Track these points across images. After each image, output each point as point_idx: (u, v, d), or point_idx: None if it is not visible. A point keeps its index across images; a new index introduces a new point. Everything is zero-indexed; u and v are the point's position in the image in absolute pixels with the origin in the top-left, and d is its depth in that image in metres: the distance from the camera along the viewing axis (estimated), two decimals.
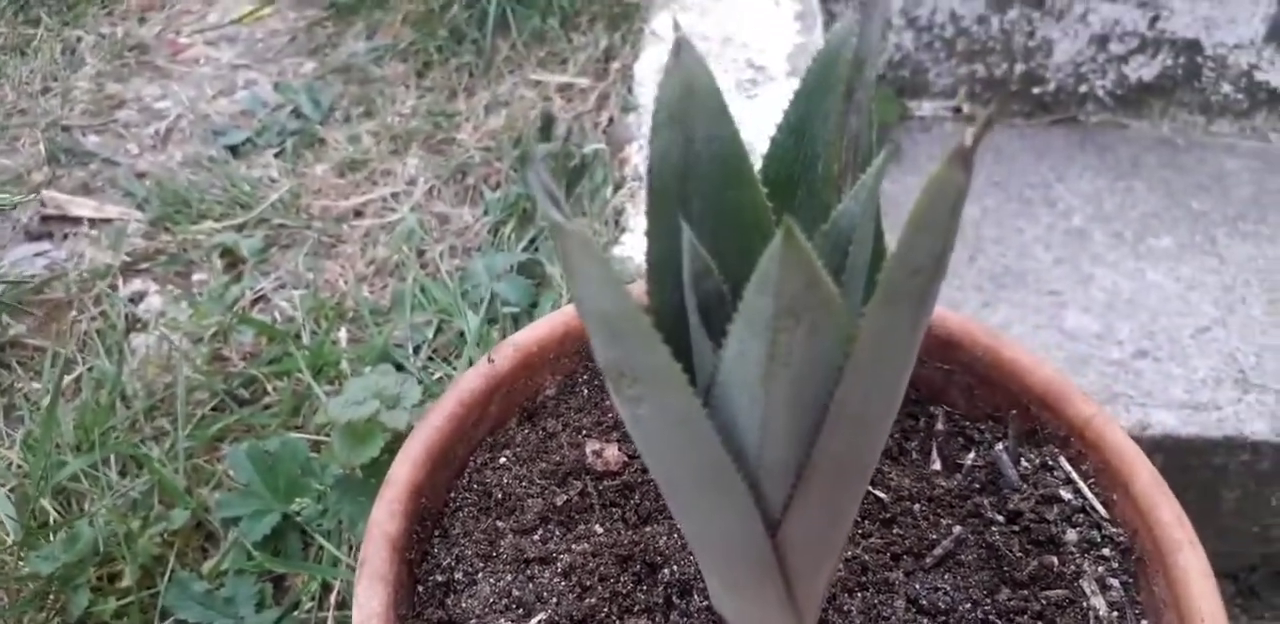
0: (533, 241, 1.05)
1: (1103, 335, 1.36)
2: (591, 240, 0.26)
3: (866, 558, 0.49)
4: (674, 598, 0.45)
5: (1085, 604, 0.48)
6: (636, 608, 0.46)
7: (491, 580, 0.47)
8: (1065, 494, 0.50)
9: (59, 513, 0.82)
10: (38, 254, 1.08)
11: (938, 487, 0.52)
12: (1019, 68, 1.75)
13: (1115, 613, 0.48)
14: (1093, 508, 0.50)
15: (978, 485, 0.52)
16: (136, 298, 1.04)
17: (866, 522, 0.51)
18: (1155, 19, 1.71)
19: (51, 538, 0.79)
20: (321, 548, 0.79)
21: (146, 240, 1.09)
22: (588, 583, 0.47)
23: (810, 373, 0.29)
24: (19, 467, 0.86)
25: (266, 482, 0.80)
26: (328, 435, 0.85)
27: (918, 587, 0.48)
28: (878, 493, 0.52)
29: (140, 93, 1.28)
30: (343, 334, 0.96)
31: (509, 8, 1.31)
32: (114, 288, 1.03)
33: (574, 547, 0.48)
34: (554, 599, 0.46)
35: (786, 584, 0.38)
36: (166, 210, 1.11)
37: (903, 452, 0.55)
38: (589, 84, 1.23)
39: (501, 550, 0.48)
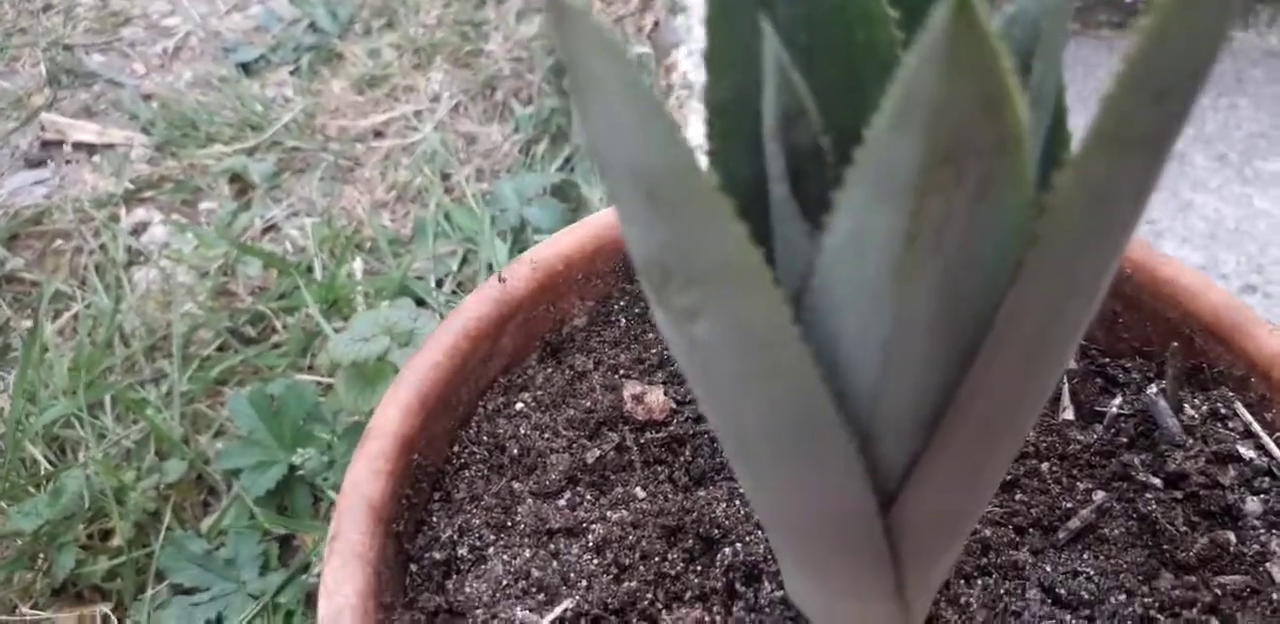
0: (568, 161, 0.94)
1: (1205, 268, 1.23)
2: (615, 38, 0.15)
3: (986, 532, 0.38)
4: (736, 585, 0.35)
5: (1276, 595, 0.37)
6: (689, 595, 0.36)
7: (505, 557, 0.36)
8: (1245, 451, 0.39)
9: (49, 463, 0.74)
10: (36, 182, 0.99)
11: (1073, 441, 0.41)
12: None
13: None
14: None
15: (1125, 440, 0.41)
16: (139, 229, 0.94)
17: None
18: None
19: (40, 489, 0.71)
20: (332, 503, 0.70)
21: (151, 166, 1.00)
22: (626, 561, 0.36)
23: (970, 265, 0.18)
24: (8, 412, 0.78)
25: (271, 429, 0.71)
26: None
27: (1050, 569, 0.37)
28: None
29: (147, 9, 1.18)
30: (358, 265, 0.86)
31: None
32: (115, 218, 0.94)
33: (609, 515, 0.38)
34: (583, 582, 0.36)
35: (898, 576, 0.27)
36: (173, 133, 1.02)
37: None
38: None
39: (518, 519, 0.38)
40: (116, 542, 0.69)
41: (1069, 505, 0.39)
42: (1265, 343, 0.39)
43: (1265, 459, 0.39)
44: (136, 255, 0.92)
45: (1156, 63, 0.16)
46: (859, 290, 0.19)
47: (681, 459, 0.40)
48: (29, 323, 0.86)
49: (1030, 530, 0.39)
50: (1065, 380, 0.43)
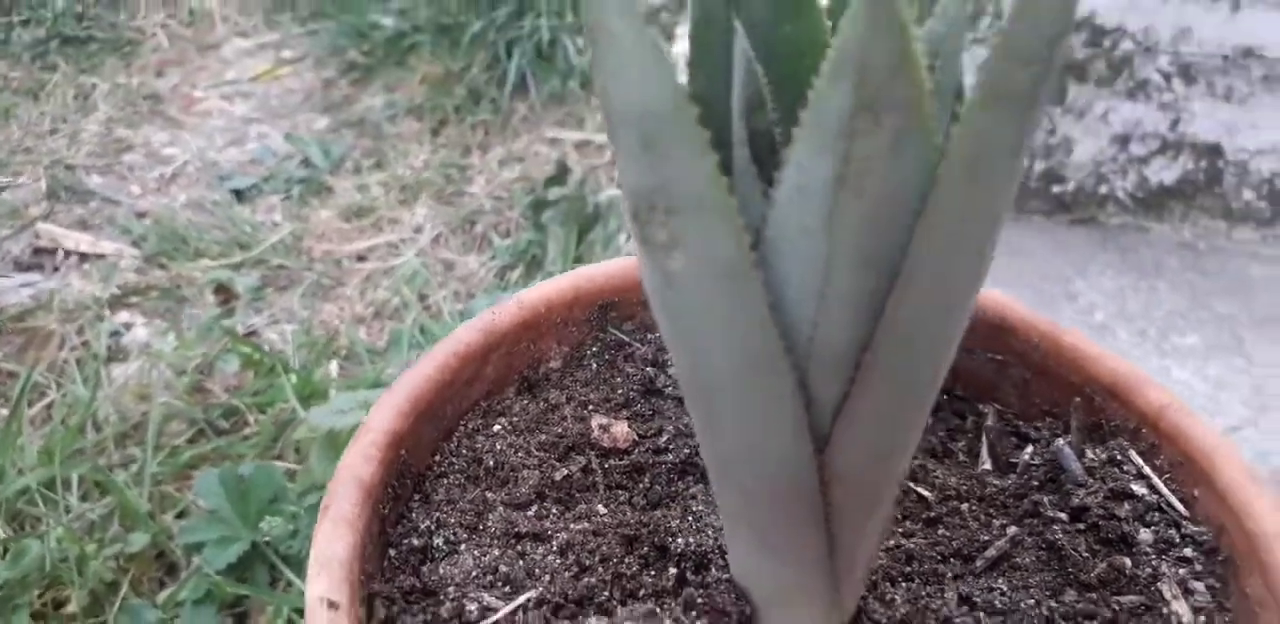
0: None
1: None
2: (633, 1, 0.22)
3: (911, 546, 0.42)
4: (688, 574, 0.39)
5: (1165, 610, 0.41)
6: (642, 592, 0.39)
7: (476, 553, 0.40)
8: (1138, 489, 0.44)
9: (11, 532, 0.75)
10: (24, 285, 1.04)
11: (989, 485, 0.46)
12: (1039, 165, 1.74)
13: (1202, 618, 0.41)
14: (1170, 506, 0.44)
15: (1035, 483, 0.46)
16: (122, 330, 0.99)
17: (908, 521, 0.45)
18: (1176, 121, 1.71)
19: None
20: (290, 583, 0.72)
21: (139, 275, 1.05)
22: (586, 562, 0.40)
23: (886, 209, 0.24)
24: None
25: (236, 508, 0.73)
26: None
27: (969, 590, 0.41)
28: (921, 490, 0.46)
29: (149, 139, 1.27)
30: (333, 368, 0.91)
31: (530, 70, 1.30)
32: (99, 319, 0.99)
33: (572, 526, 0.42)
34: (547, 577, 0.40)
35: (829, 531, 0.32)
36: (163, 246, 1.08)
37: (948, 452, 0.49)
38: (606, 140, 1.21)
39: (490, 523, 0.41)
40: (71, 609, 0.69)
41: (986, 538, 0.44)
42: (1154, 398, 0.45)
43: (1155, 497, 0.44)
44: (116, 353, 0.95)
45: (1022, 39, 0.22)
46: (801, 234, 0.25)
47: (641, 486, 0.45)
48: (3, 411, 0.88)
49: (951, 560, 0.43)
50: (984, 437, 0.49)
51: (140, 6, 1.44)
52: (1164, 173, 1.74)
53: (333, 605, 0.33)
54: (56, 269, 1.06)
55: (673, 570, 0.40)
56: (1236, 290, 1.62)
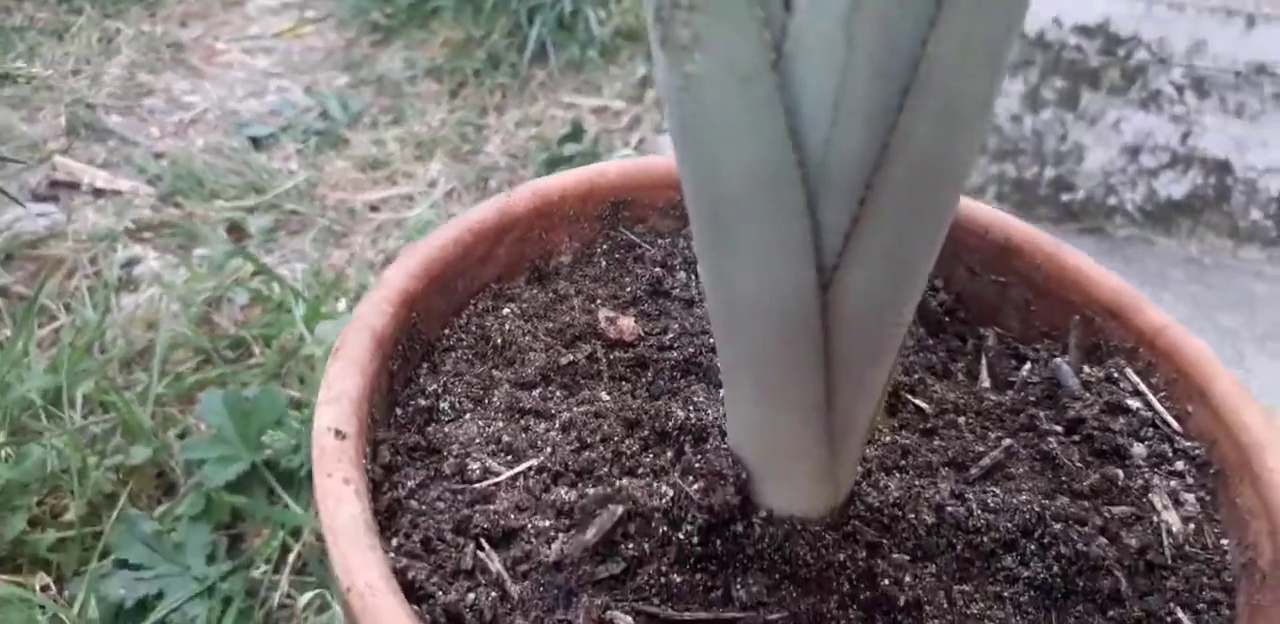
0: None
1: None
2: None
3: (907, 443, 0.43)
4: (686, 448, 0.39)
5: (1155, 519, 0.42)
6: (640, 471, 0.40)
7: (480, 423, 0.41)
8: (1133, 404, 0.45)
9: (12, 434, 0.75)
10: (40, 215, 1.05)
11: (987, 400, 0.47)
12: (1049, 172, 1.75)
13: (1190, 527, 0.42)
14: (1164, 421, 0.45)
15: (1032, 399, 0.47)
16: (133, 262, 0.99)
17: (905, 430, 0.46)
18: (1187, 135, 1.72)
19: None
20: (287, 506, 0.72)
21: (153, 212, 1.06)
22: (588, 440, 0.41)
23: (902, 15, 0.25)
24: None
25: (239, 428, 0.74)
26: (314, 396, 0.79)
27: (963, 490, 0.42)
28: (919, 402, 0.47)
29: (171, 86, 1.28)
30: (341, 305, 0.92)
31: (550, 38, 1.32)
32: (113, 250, 0.99)
33: (575, 408, 0.43)
34: (548, 449, 0.41)
35: (828, 378, 0.33)
36: (178, 186, 1.09)
37: (948, 373, 0.50)
38: (623, 107, 1.22)
39: (495, 398, 0.42)
40: (68, 517, 0.70)
41: (981, 449, 0.45)
42: (1152, 317, 0.46)
43: (1149, 413, 0.45)
44: (127, 284, 0.96)
45: None
46: (819, 41, 0.26)
47: (644, 379, 0.46)
48: (9, 333, 0.89)
49: (944, 469, 0.44)
50: (983, 357, 0.50)
51: None
52: (1173, 187, 1.75)
53: (340, 434, 0.34)
54: (72, 202, 1.07)
55: (671, 450, 0.40)
56: (1240, 305, 1.63)
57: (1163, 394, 0.46)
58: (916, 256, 0.31)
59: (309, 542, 0.71)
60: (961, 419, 0.46)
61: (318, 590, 0.67)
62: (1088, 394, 0.46)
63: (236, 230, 1.04)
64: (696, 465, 0.38)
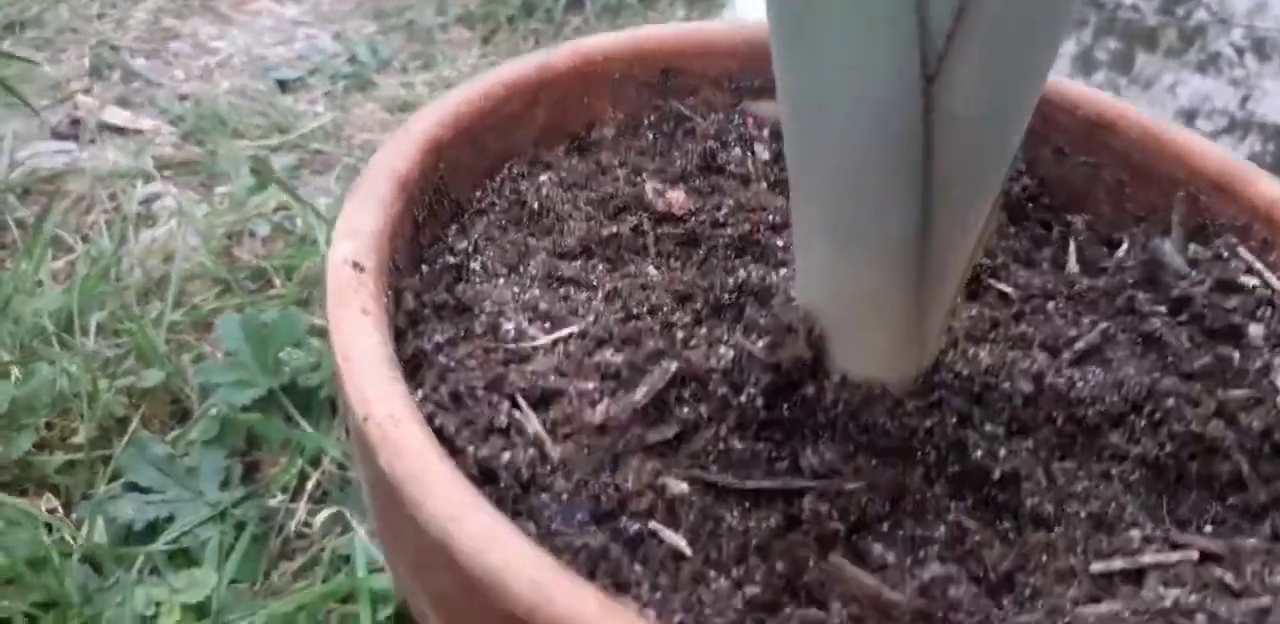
0: None
1: None
2: None
3: (995, 315, 0.39)
4: (747, 309, 0.35)
5: (1278, 402, 0.37)
6: (694, 341, 0.36)
7: (515, 289, 0.37)
8: (1248, 281, 0.40)
9: (20, 353, 0.72)
10: (59, 151, 1.01)
11: (1078, 285, 0.42)
12: None
13: None
14: None
15: (1130, 281, 0.42)
16: (153, 198, 0.96)
17: (987, 311, 0.41)
18: (1246, 99, 1.65)
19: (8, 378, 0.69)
20: (306, 431, 0.68)
21: (175, 150, 1.02)
22: (635, 310, 0.37)
23: None
24: None
25: (256, 353, 0.70)
26: None
27: (1060, 368, 0.37)
28: (1002, 286, 0.42)
29: (197, 31, 1.25)
30: None
31: None
32: (132, 186, 0.96)
33: (620, 281, 0.39)
34: (590, 317, 0.36)
35: (925, 207, 0.28)
36: (202, 125, 1.05)
37: (1032, 261, 0.45)
38: None
39: (531, 266, 0.38)
40: (77, 440, 0.66)
41: (1074, 333, 0.40)
42: (1266, 189, 0.41)
43: (1267, 291, 0.40)
44: (146, 219, 0.93)
45: None
46: None
47: (695, 257, 0.41)
48: (25, 265, 0.86)
49: (1037, 348, 0.39)
50: (1072, 242, 0.45)
51: None
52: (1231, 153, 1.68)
53: (358, 267, 0.30)
54: (93, 141, 1.04)
55: (729, 315, 0.36)
56: None
57: None
58: (1035, 46, 0.26)
59: (328, 470, 0.67)
60: (1050, 304, 0.42)
61: (334, 510, 0.63)
62: (1194, 273, 0.41)
63: (260, 169, 1.00)
64: (761, 321, 0.33)
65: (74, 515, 0.63)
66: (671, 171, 0.44)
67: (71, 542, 0.61)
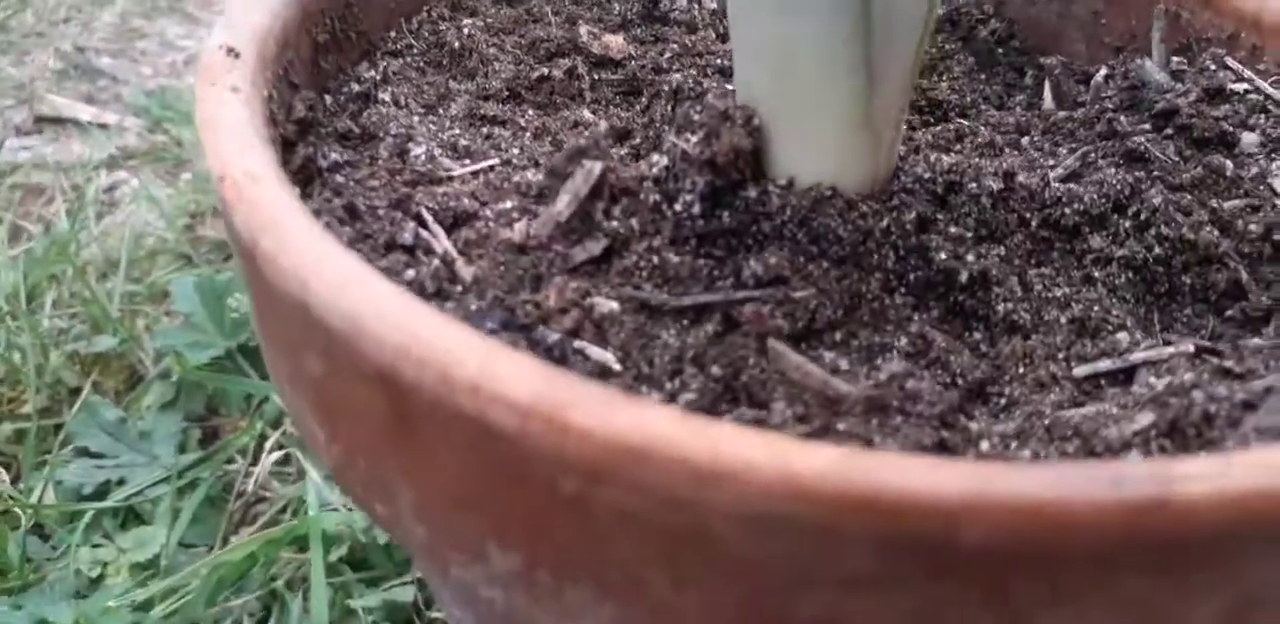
0: None
1: None
2: None
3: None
4: (681, 106, 0.31)
5: (1278, 204, 0.33)
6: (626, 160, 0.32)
7: (432, 126, 0.33)
8: (1237, 88, 0.36)
9: None
10: (23, 148, 0.99)
11: (1054, 116, 0.39)
12: None
13: None
14: (1277, 104, 0.36)
15: (1111, 108, 0.38)
16: (116, 186, 0.93)
17: (986, 153, 0.37)
18: None
19: None
20: (268, 399, 0.64)
21: (139, 139, 1.00)
22: (567, 143, 0.33)
23: None
24: None
25: (212, 313, 0.67)
26: None
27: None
28: (972, 124, 0.39)
29: (164, 30, 1.23)
30: None
31: None
32: (96, 176, 0.93)
33: (554, 124, 0.35)
34: (515, 151, 0.33)
35: None
36: (167, 114, 1.03)
37: (1004, 105, 0.41)
38: None
39: (451, 108, 0.34)
40: (26, 410, 0.63)
41: (1050, 163, 0.36)
42: None
43: (1258, 96, 0.36)
44: (108, 206, 0.90)
45: None
46: None
47: (637, 106, 0.38)
48: None
49: (1005, 157, 0.35)
50: (1046, 81, 0.41)
51: None
52: None
53: (233, 52, 0.26)
54: (55, 138, 1.02)
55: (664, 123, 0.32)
56: None
57: (1275, 79, 0.37)
58: None
59: (290, 431, 0.63)
60: (1025, 139, 0.38)
61: (291, 464, 0.59)
62: (1179, 86, 0.37)
63: None
64: (695, 116, 0.29)
65: (20, 485, 0.59)
66: (610, 21, 0.40)
67: (20, 513, 0.57)
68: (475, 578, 0.21)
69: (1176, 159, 0.35)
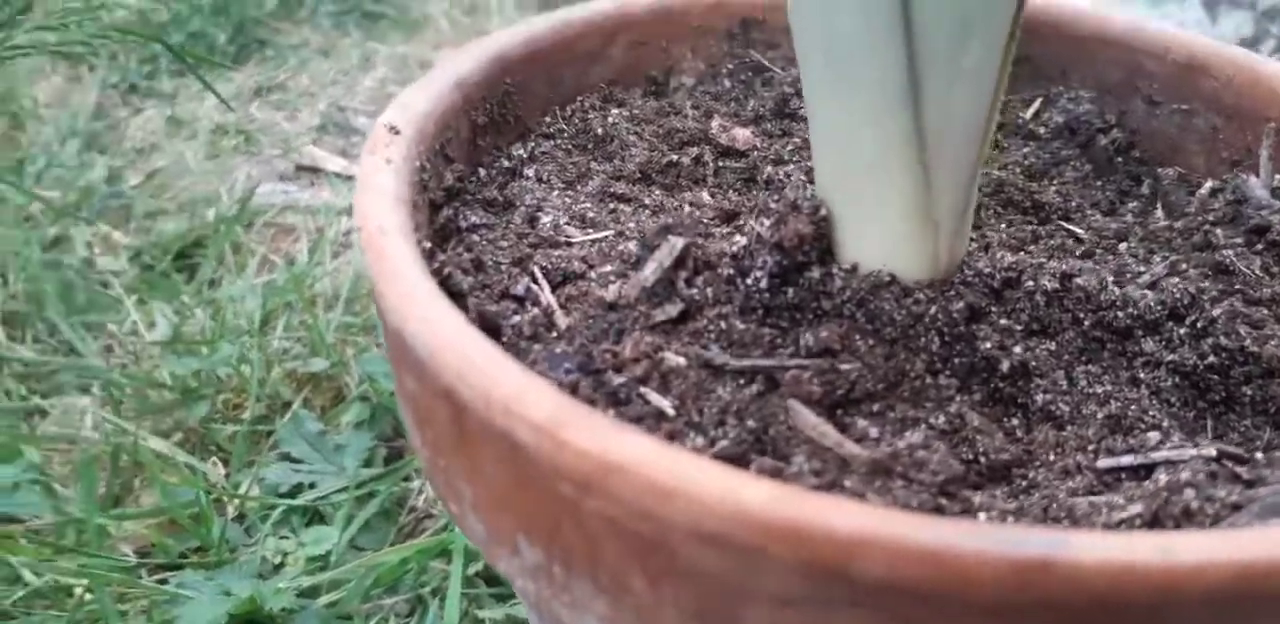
0: None
1: None
2: None
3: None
4: (774, 200, 0.36)
5: None
6: (717, 237, 0.37)
7: (567, 199, 0.39)
8: None
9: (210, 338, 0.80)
10: (282, 191, 1.14)
11: (1156, 223, 0.41)
12: None
13: None
14: None
15: (1211, 219, 0.40)
16: (353, 230, 1.06)
17: (1056, 255, 0.40)
18: None
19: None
20: None
21: None
22: (675, 222, 0.38)
23: None
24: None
25: None
26: None
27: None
28: (1074, 229, 0.41)
29: None
30: None
31: None
32: (338, 220, 1.06)
33: (671, 201, 0.40)
34: (631, 224, 0.38)
35: (910, 51, 0.29)
36: None
37: (1114, 211, 0.43)
38: None
39: (590, 185, 0.40)
40: (246, 415, 0.73)
41: (1140, 269, 0.38)
42: None
43: None
44: (343, 248, 1.02)
45: None
46: None
47: (754, 190, 0.42)
48: (239, 283, 0.96)
49: (1069, 259, 0.38)
50: (1159, 191, 0.43)
51: None
52: None
53: (394, 130, 0.33)
54: (312, 184, 1.16)
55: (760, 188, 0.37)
56: None
57: None
58: None
59: None
60: (1123, 245, 0.40)
61: None
62: (1276, 203, 0.39)
63: None
64: (771, 204, 0.34)
65: (231, 478, 0.69)
66: (744, 115, 0.45)
67: (227, 502, 0.67)
68: (514, 570, 0.26)
69: (1261, 274, 0.36)
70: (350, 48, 1.44)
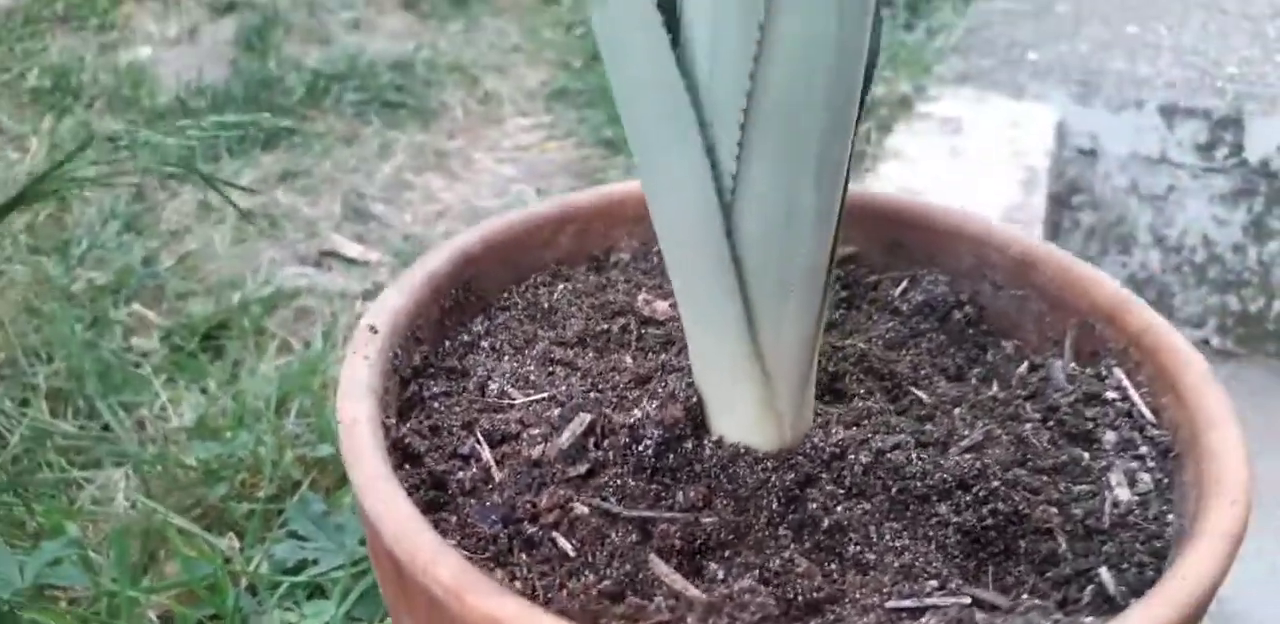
0: None
1: None
2: None
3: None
4: (664, 381, 0.47)
5: (1108, 494, 0.44)
6: (627, 404, 0.47)
7: (514, 364, 0.50)
8: (1111, 395, 0.48)
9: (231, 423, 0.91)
10: (301, 275, 1.26)
11: (984, 395, 0.51)
12: (1277, 306, 1.65)
13: (1137, 500, 0.44)
14: (1139, 413, 0.47)
15: (1023, 394, 0.50)
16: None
17: (903, 418, 0.50)
18: None
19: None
20: None
21: (393, 278, 1.24)
22: (600, 385, 0.49)
23: None
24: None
25: None
26: None
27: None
28: (920, 393, 0.52)
29: (429, 184, 1.50)
30: None
31: None
32: (352, 304, 1.18)
33: (599, 364, 0.51)
34: (563, 387, 0.49)
35: (745, 299, 0.39)
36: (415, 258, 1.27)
37: (961, 376, 0.54)
38: None
39: (533, 350, 0.51)
40: (260, 494, 0.84)
41: (965, 433, 0.49)
42: (1139, 318, 0.49)
43: (1126, 404, 0.48)
44: None
45: None
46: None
47: (670, 353, 0.53)
48: (262, 364, 1.07)
49: (930, 447, 0.48)
50: (998, 360, 0.54)
51: (447, 85, 1.71)
52: None
53: (373, 329, 0.44)
54: (330, 268, 1.28)
55: (661, 388, 0.48)
56: None
57: (1145, 390, 0.48)
58: (799, 177, 0.38)
59: None
60: (958, 410, 0.50)
61: None
62: (1069, 386, 0.49)
63: None
64: (659, 390, 0.45)
65: (245, 552, 0.80)
66: (668, 288, 0.56)
67: (240, 573, 0.77)
68: None
69: (1049, 446, 0.47)
70: (371, 136, 1.57)
